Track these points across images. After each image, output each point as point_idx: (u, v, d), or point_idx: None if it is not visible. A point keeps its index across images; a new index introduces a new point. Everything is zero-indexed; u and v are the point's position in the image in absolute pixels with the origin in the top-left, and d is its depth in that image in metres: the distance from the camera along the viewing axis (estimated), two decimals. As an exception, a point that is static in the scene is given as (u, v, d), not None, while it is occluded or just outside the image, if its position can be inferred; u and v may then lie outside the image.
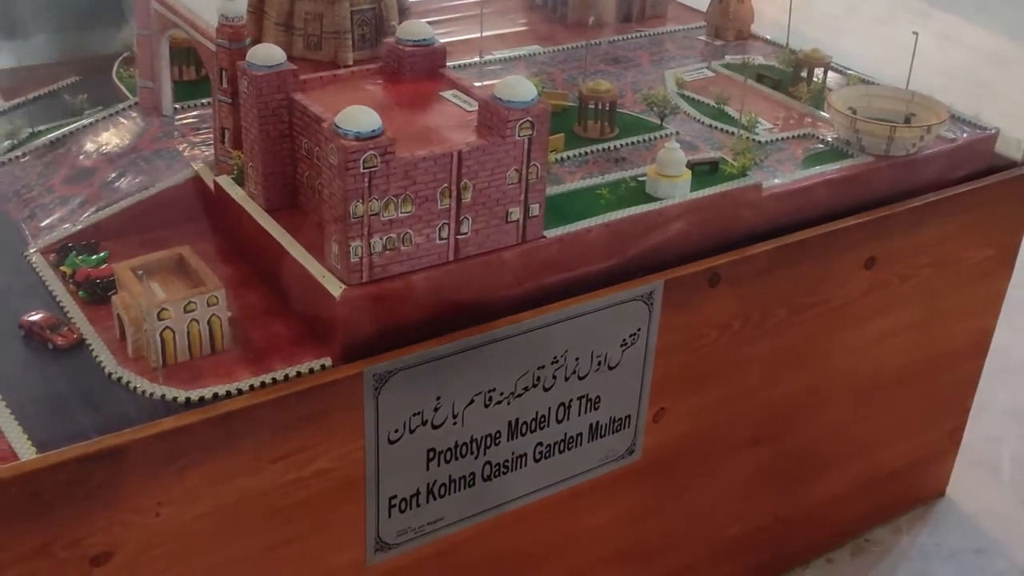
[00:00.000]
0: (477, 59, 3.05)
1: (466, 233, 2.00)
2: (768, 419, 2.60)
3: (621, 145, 2.56)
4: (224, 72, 2.23)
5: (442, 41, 3.26)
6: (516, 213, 2.05)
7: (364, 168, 1.83)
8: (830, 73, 3.05)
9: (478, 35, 3.28)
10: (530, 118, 1.97)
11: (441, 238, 1.97)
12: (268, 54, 2.07)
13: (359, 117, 1.83)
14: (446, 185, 1.93)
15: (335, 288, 1.91)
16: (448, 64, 3.02)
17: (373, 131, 1.83)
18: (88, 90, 2.87)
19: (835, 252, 2.48)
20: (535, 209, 2.07)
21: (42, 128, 2.64)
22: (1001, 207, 2.76)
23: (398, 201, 1.89)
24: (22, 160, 2.53)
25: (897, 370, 2.82)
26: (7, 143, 2.58)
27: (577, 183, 2.35)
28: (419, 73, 2.22)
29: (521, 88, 1.97)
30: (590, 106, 2.59)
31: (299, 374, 1.89)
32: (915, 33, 2.71)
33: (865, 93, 2.77)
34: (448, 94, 2.16)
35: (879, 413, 2.87)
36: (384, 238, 1.91)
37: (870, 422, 2.88)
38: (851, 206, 2.53)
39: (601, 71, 3.05)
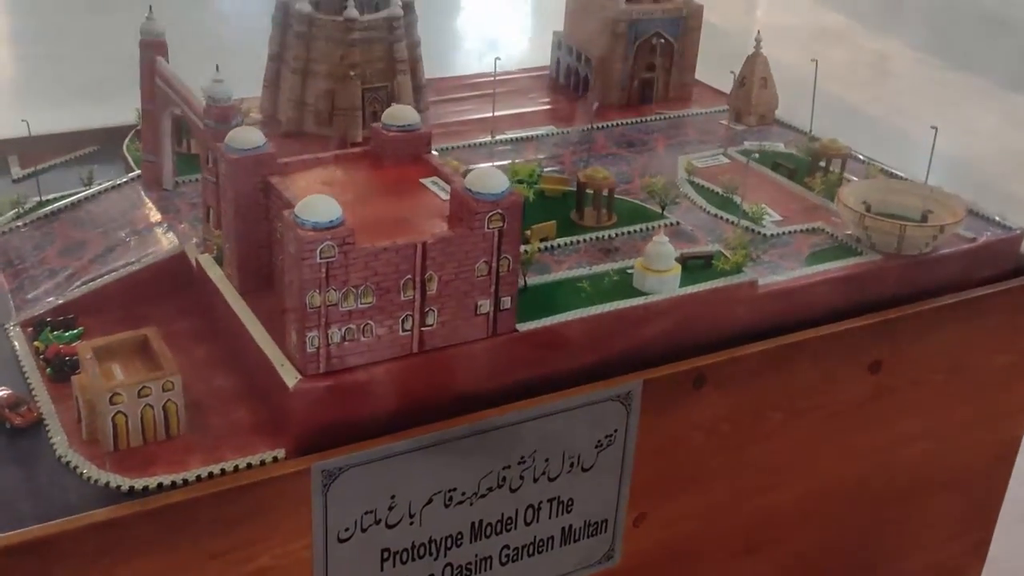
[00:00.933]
0: (488, 139, 3.03)
1: (431, 325, 1.94)
2: (763, 526, 2.46)
3: (616, 234, 2.49)
4: (210, 152, 2.24)
5: (457, 119, 3.30)
6: (486, 305, 1.99)
7: (321, 258, 1.79)
8: (853, 163, 2.96)
9: (505, 113, 3.27)
10: (500, 210, 1.92)
11: (404, 330, 1.92)
12: (246, 137, 2.07)
13: (318, 206, 1.80)
14: (409, 276, 1.89)
15: (290, 378, 1.87)
16: (459, 144, 3.04)
17: (332, 221, 1.80)
18: (101, 161, 2.93)
19: (836, 354, 2.36)
20: (506, 302, 2.01)
21: (49, 197, 2.68)
22: (1025, 310, 2.62)
23: (358, 292, 1.85)
24: (22, 230, 2.56)
25: (911, 479, 2.66)
26: (12, 212, 2.62)
27: (562, 273, 2.29)
28: (402, 158, 2.19)
29: (492, 180, 1.92)
30: (588, 193, 2.54)
31: (249, 465, 1.84)
32: (934, 128, 2.60)
33: (880, 187, 2.67)
34: (428, 181, 2.12)
35: (891, 523, 2.71)
36: (343, 329, 1.86)
37: (881, 532, 2.71)
38: (858, 306, 2.41)
39: (613, 155, 3.00)
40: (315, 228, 1.78)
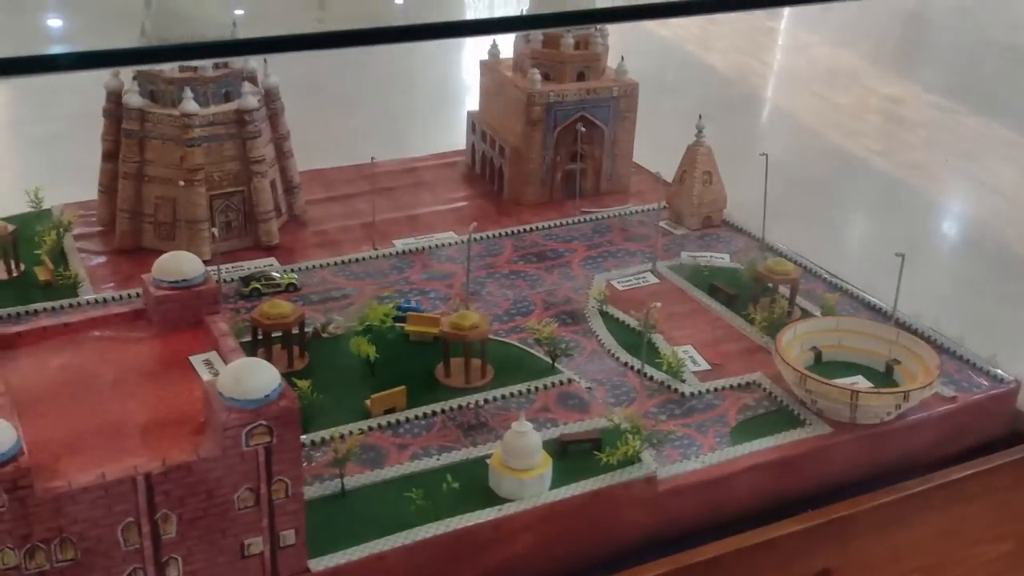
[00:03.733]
0: (370, 252, 2.51)
1: (177, 577, 1.42)
2: None
3: (489, 399, 1.95)
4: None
5: (341, 223, 2.71)
6: (257, 545, 1.46)
7: (-15, 509, 1.28)
8: (815, 281, 2.42)
9: (400, 214, 2.76)
10: (264, 421, 1.40)
11: (134, 588, 1.40)
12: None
13: (-16, 435, 1.29)
14: (131, 519, 1.37)
15: (-38, 665, 1.35)
16: (334, 259, 2.52)
17: (2, 455, 1.28)
18: None
19: (769, 567, 1.80)
20: (289, 536, 1.48)
21: None
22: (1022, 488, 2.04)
23: (51, 547, 1.33)
24: None
25: None
26: None
27: (398, 468, 1.75)
28: (178, 322, 1.67)
29: (253, 378, 1.40)
30: (456, 344, 2.01)
31: None
32: (900, 255, 2.05)
33: (835, 328, 2.11)
34: (200, 359, 1.60)
35: None
36: (37, 595, 1.35)
37: None
38: (799, 498, 1.86)
39: (515, 273, 2.46)
40: (-24, 467, 1.27)
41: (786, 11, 10.32)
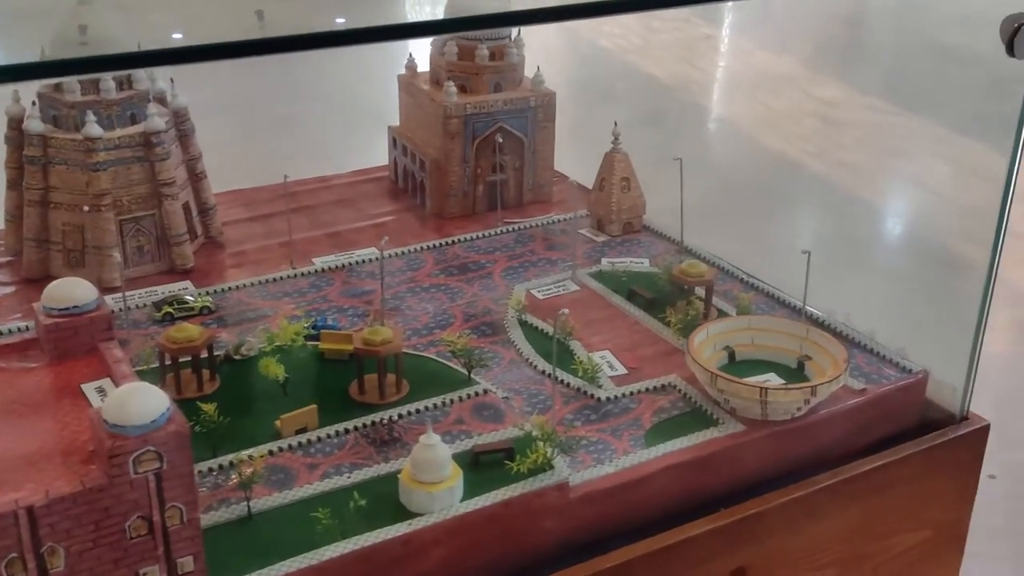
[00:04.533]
0: (288, 271, 2.49)
1: (69, 611, 1.39)
2: None
3: (404, 414, 1.94)
4: None
5: (261, 243, 2.69)
6: (154, 573, 1.43)
7: None
8: (733, 282, 2.44)
9: (321, 231, 2.74)
10: (153, 447, 1.37)
11: (23, 624, 1.37)
12: None
13: None
14: (15, 554, 1.33)
15: None
16: (251, 280, 2.50)
17: None
18: None
19: (682, 568, 1.80)
20: (188, 564, 1.45)
21: None
22: (938, 475, 2.07)
23: (-69, 586, 1.30)
24: None
25: None
26: None
27: (308, 487, 1.73)
28: (71, 350, 1.65)
29: (140, 404, 1.37)
30: (370, 359, 2.00)
31: None
32: (806, 252, 2.07)
33: (748, 327, 2.13)
34: (93, 387, 1.58)
35: None
36: (-81, 636, 1.31)
37: None
38: (714, 496, 1.87)
39: (436, 286, 2.45)
40: None
41: (725, 19, 10.46)
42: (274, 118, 5.14)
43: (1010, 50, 1.78)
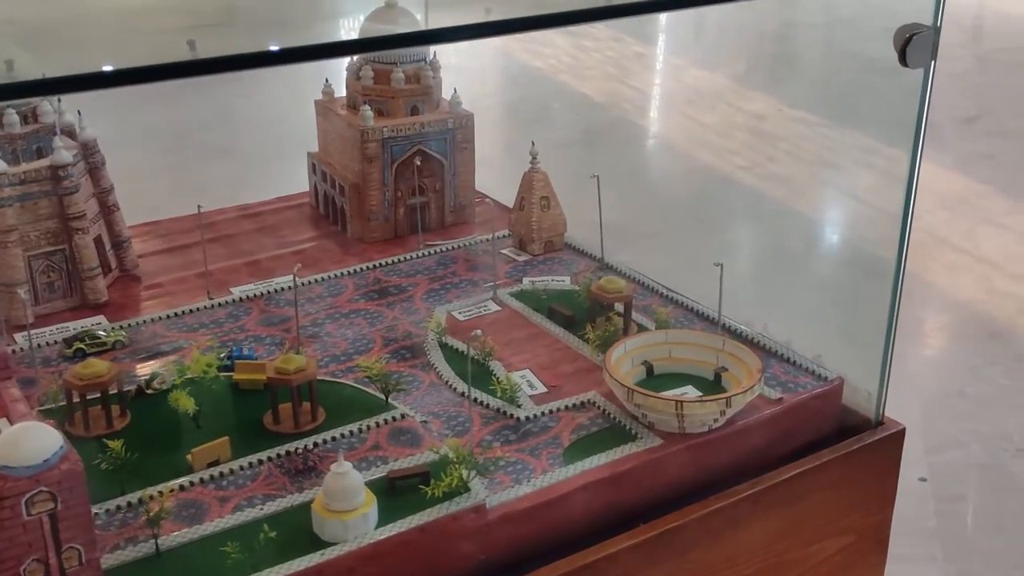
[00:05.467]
0: (205, 302, 2.45)
1: (-37, 660, 1.35)
2: None
3: (319, 442, 1.91)
4: None
5: (177, 274, 2.63)
6: (52, 617, 1.40)
7: None
8: (655, 298, 2.45)
9: (240, 260, 2.70)
10: (46, 488, 1.34)
11: (-87, 677, 1.32)
12: None
13: None
14: (-99, 606, 1.29)
15: None
16: (167, 312, 2.45)
17: None
18: None
19: (603, 586, 1.80)
20: (87, 605, 1.42)
21: None
22: (857, 480, 2.09)
23: None
24: None
25: None
26: None
27: (219, 521, 1.70)
28: (-33, 393, 1.61)
29: (31, 444, 1.33)
30: (282, 388, 1.97)
31: None
32: (718, 264, 2.10)
33: (665, 341, 2.14)
34: (-12, 429, 1.54)
35: None
36: None
37: None
38: (634, 511, 1.87)
39: (355, 312, 2.43)
40: None
41: (659, 37, 10.60)
42: (194, 147, 5.09)
43: (902, 59, 1.82)
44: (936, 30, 1.78)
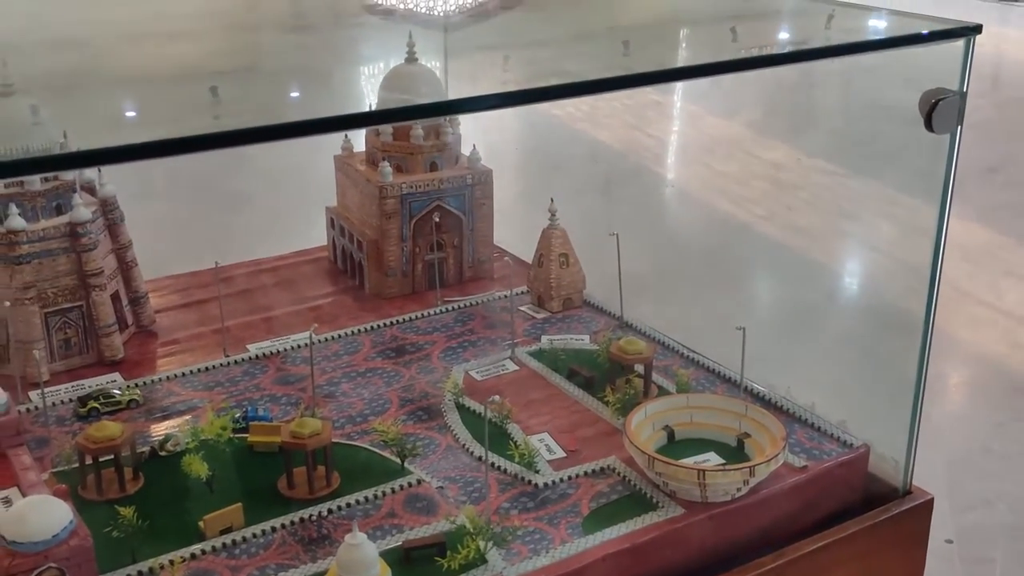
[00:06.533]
0: (221, 360, 2.43)
1: None
2: None
3: (333, 509, 1.88)
4: None
5: (195, 330, 2.62)
6: None
7: None
8: (675, 359, 2.42)
9: (257, 316, 2.69)
10: (54, 564, 1.31)
11: None
12: None
13: None
14: None
15: None
16: (182, 370, 2.43)
17: None
18: None
19: (624, 661, 1.75)
20: None
21: None
22: (884, 552, 2.03)
23: None
24: None
25: None
26: None
27: (228, 594, 1.67)
28: (-21, 459, 1.59)
29: (40, 520, 1.31)
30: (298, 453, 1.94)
31: None
32: (740, 328, 2.06)
33: (686, 405, 2.10)
34: (-2, 498, 1.52)
35: None
36: None
37: None
38: (654, 582, 1.82)
39: (372, 370, 2.40)
40: None
41: (676, 86, 10.64)
42: (213, 199, 5.11)
43: (928, 125, 1.79)
44: (962, 95, 1.76)
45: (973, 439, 4.26)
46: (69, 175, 2.37)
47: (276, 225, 4.32)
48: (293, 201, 4.59)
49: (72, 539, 1.32)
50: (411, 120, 2.59)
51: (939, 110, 1.74)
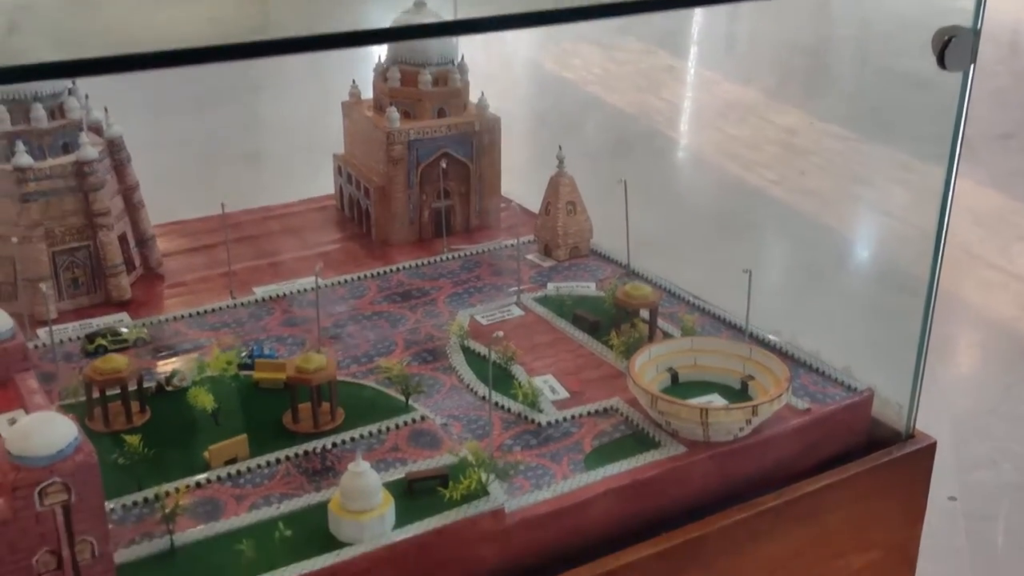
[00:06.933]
0: (228, 302, 2.45)
1: (-28, 652, 1.33)
2: None
3: (337, 443, 1.89)
4: None
5: (201, 273, 2.64)
6: (63, 611, 1.38)
7: None
8: (680, 305, 2.42)
9: (263, 261, 2.70)
10: (59, 479, 1.32)
11: (-78, 667, 1.31)
12: None
13: None
14: (-88, 594, 1.28)
15: None
16: (189, 311, 2.44)
17: None
18: None
19: (623, 595, 1.76)
20: (99, 599, 1.40)
21: None
22: (885, 495, 2.04)
23: None
24: None
25: None
26: None
27: (236, 519, 1.68)
28: (-14, 383, 1.60)
29: (45, 435, 1.32)
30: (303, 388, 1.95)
31: None
32: (747, 271, 2.06)
33: (690, 348, 2.10)
34: (4, 419, 1.53)
35: None
36: None
37: None
38: (655, 520, 1.83)
39: (378, 313, 2.41)
40: None
41: (690, 50, 10.55)
42: (221, 150, 5.10)
43: (941, 62, 1.78)
44: (976, 32, 1.74)
45: (981, 400, 4.26)
46: (76, 114, 2.37)
47: (283, 175, 4.32)
48: (301, 151, 4.59)
49: (78, 455, 1.33)
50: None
51: (952, 46, 1.73)
